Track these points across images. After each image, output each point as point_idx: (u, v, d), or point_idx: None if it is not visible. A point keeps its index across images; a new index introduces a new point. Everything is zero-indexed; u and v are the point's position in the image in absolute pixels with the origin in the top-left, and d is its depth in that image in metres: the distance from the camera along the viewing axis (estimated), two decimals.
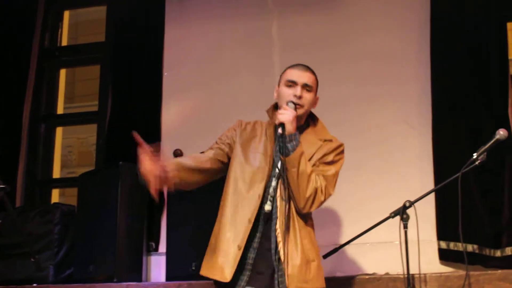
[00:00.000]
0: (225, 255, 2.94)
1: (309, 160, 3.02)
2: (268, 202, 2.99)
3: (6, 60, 5.24)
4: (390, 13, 4.52)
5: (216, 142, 3.22)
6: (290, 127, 2.93)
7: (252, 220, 2.95)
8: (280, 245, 2.91)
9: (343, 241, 3.61)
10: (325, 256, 3.59)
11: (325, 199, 3.01)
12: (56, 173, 5.45)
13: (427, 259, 3.80)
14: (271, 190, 3.01)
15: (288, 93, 3.07)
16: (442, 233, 3.97)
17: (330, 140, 3.13)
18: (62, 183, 5.83)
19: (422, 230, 3.31)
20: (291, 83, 3.08)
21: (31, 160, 5.29)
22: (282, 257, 2.89)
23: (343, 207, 4.21)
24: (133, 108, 4.90)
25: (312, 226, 3.10)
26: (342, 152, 3.15)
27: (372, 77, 4.44)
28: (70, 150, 10.38)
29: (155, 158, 3.02)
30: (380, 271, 3.79)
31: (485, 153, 3.21)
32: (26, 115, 5.28)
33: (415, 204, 3.27)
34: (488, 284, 3.46)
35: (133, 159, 4.47)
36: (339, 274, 3.73)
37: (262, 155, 3.08)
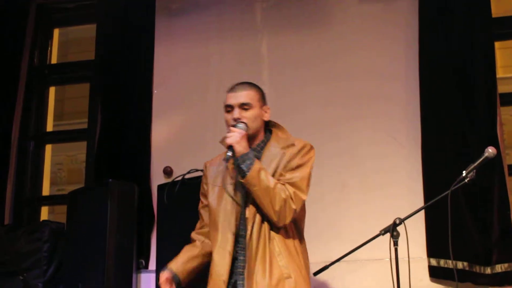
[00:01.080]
0: None
1: (275, 172, 2.99)
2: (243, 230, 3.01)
3: None
4: (378, 32, 4.55)
5: (201, 202, 3.27)
6: (239, 148, 2.92)
7: (231, 252, 2.97)
8: (245, 268, 2.94)
9: (333, 259, 3.59)
10: (315, 274, 3.59)
11: (297, 207, 2.96)
12: (46, 191, 5.43)
13: (417, 277, 3.80)
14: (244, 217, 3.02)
15: (228, 119, 3.08)
16: (432, 250, 3.98)
17: (293, 145, 3.07)
18: (51, 200, 5.80)
19: (412, 248, 3.30)
20: (229, 108, 3.09)
21: (20, 177, 5.26)
22: (245, 282, 2.91)
23: (333, 225, 4.22)
24: (123, 125, 4.89)
25: (295, 239, 3.06)
26: (308, 151, 3.08)
27: (360, 95, 4.46)
28: (59, 167, 10.35)
29: None
30: None
31: (475, 171, 3.21)
32: (15, 133, 5.26)
33: (405, 222, 3.27)
34: None
35: (123, 177, 4.50)
36: None
37: (231, 186, 3.08)
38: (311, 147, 3.09)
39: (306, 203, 4.07)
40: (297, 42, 4.69)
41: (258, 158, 3.04)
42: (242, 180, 2.93)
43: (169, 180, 4.56)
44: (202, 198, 3.28)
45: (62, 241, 4.47)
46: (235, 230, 2.99)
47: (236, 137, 2.94)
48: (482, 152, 3.23)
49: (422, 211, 3.82)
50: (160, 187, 4.40)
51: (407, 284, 3.27)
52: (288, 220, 2.94)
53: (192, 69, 4.87)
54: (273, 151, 3.07)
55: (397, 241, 3.23)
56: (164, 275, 3.10)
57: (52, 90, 5.67)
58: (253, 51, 4.77)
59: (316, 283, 3.78)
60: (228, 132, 3.01)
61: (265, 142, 3.12)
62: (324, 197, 4.30)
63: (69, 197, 4.64)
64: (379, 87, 4.45)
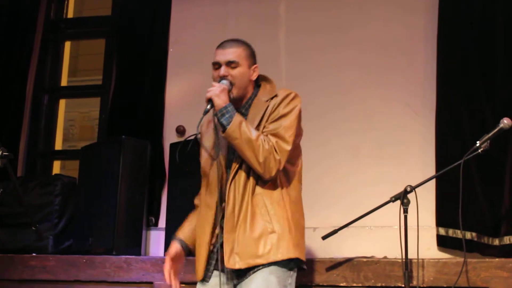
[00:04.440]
0: (199, 256, 2.97)
1: (259, 125, 2.91)
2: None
3: (11, 31, 5.22)
4: (398, 0, 4.50)
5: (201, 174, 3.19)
6: (218, 101, 2.84)
7: (214, 209, 2.95)
8: (224, 223, 2.88)
9: (342, 223, 3.61)
10: (324, 237, 3.62)
11: (281, 158, 2.86)
12: (58, 146, 5.46)
13: (425, 245, 3.82)
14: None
15: (215, 76, 3.00)
16: (441, 219, 3.99)
17: (276, 96, 2.98)
18: (63, 155, 5.83)
19: (422, 216, 3.33)
20: (216, 65, 3.01)
21: (34, 131, 5.30)
22: (224, 237, 2.86)
23: (344, 189, 4.24)
24: (137, 83, 4.89)
25: (284, 193, 2.95)
26: (292, 99, 2.96)
27: (377, 63, 4.44)
28: (72, 123, 10.38)
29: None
30: (379, 254, 3.80)
31: (488, 142, 3.21)
32: (30, 86, 5.28)
33: (416, 190, 3.28)
34: (485, 272, 3.47)
35: (135, 134, 4.52)
36: (337, 255, 3.74)
37: (215, 148, 3.03)
38: (296, 95, 2.98)
39: (315, 166, 4.12)
40: (315, 6, 4.65)
41: (246, 114, 2.97)
42: (223, 135, 2.86)
43: (182, 139, 4.58)
44: (200, 160, 3.21)
45: (73, 195, 4.51)
46: (219, 192, 2.94)
47: (215, 90, 2.87)
48: (497, 123, 3.23)
49: (433, 180, 3.83)
50: (173, 146, 4.41)
51: (415, 252, 3.30)
52: (274, 171, 2.85)
53: (208, 28, 4.84)
54: (259, 105, 2.99)
55: (407, 209, 3.25)
56: (174, 247, 3.09)
57: (67, 44, 5.66)
58: (271, 11, 4.73)
59: (324, 247, 3.80)
60: None
61: (252, 99, 3.04)
62: (337, 163, 4.32)
63: (82, 152, 4.67)
64: (396, 56, 4.42)
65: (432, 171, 3.98)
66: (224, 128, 2.84)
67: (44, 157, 5.34)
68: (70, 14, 5.69)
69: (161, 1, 5.01)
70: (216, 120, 2.91)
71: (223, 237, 2.88)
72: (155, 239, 4.54)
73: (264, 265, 2.83)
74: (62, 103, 5.57)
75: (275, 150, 2.84)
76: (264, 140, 2.84)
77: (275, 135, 2.88)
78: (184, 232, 3.15)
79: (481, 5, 4.19)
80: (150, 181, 4.55)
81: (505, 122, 3.22)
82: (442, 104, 4.17)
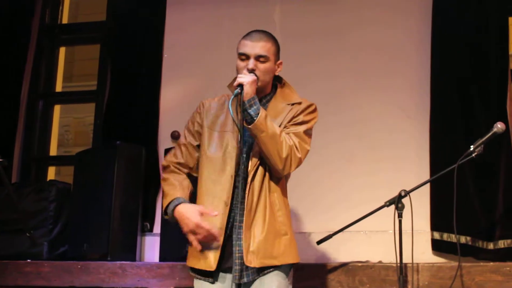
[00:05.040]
0: (208, 245, 2.83)
1: (280, 124, 2.91)
2: (241, 180, 2.87)
3: (6, 36, 5.21)
4: (391, 5, 4.51)
5: (185, 138, 3.08)
6: (249, 90, 2.79)
7: (229, 203, 2.85)
8: (244, 220, 2.81)
9: (337, 228, 3.62)
10: (318, 242, 3.62)
11: (302, 156, 2.89)
12: (53, 151, 5.45)
13: (420, 249, 3.83)
14: (243, 167, 2.89)
15: (241, 67, 2.93)
16: (436, 224, 4.00)
17: (299, 103, 3.00)
18: (58, 160, 5.83)
19: (416, 220, 3.34)
20: (244, 56, 2.94)
21: (28, 136, 5.29)
22: (243, 233, 2.80)
23: (339, 195, 4.24)
24: (132, 88, 4.89)
25: (286, 197, 2.98)
26: (313, 111, 3.01)
27: (371, 68, 4.45)
28: (67, 129, 10.37)
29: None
30: (373, 259, 3.81)
31: (482, 146, 3.22)
32: (24, 92, 5.28)
33: (410, 194, 3.28)
34: (479, 276, 3.49)
35: (130, 140, 4.51)
36: (332, 260, 3.74)
37: (230, 133, 2.94)
38: (316, 108, 3.03)
39: (311, 171, 4.12)
40: (309, 11, 4.66)
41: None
42: (249, 126, 2.78)
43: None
44: (189, 136, 3.08)
45: (68, 201, 4.50)
46: (233, 181, 2.87)
47: (247, 78, 2.82)
48: (490, 127, 3.24)
49: (428, 185, 3.84)
50: (167, 151, 4.40)
51: (410, 256, 3.30)
52: (293, 168, 2.88)
53: (202, 33, 4.85)
54: (279, 106, 2.99)
55: (401, 213, 3.26)
56: (188, 208, 2.84)
57: (62, 50, 5.65)
58: (265, 17, 4.73)
59: (319, 252, 3.81)
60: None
61: (271, 96, 3.04)
62: (331, 167, 4.32)
63: (77, 157, 4.66)
64: (390, 60, 4.43)
65: (426, 176, 3.99)
66: (252, 119, 2.77)
67: (38, 163, 5.33)
68: (65, 20, 5.69)
69: (155, 6, 5.01)
70: (240, 110, 2.80)
71: (236, 234, 2.82)
72: (150, 245, 4.53)
73: (275, 268, 2.83)
74: (57, 108, 5.56)
75: (297, 148, 2.86)
76: (287, 137, 2.85)
77: (297, 135, 2.90)
78: (184, 192, 2.94)
79: (474, 8, 4.21)
80: (145, 187, 4.54)
81: (498, 126, 3.23)
82: (436, 108, 4.19)
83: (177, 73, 4.86)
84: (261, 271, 2.83)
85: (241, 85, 2.81)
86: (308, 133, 2.97)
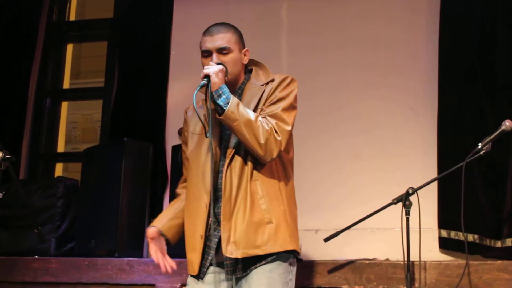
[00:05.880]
0: (193, 250, 2.83)
1: (256, 108, 2.82)
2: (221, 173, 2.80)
3: (14, 34, 5.23)
4: (400, 1, 4.50)
5: (184, 151, 3.10)
6: (215, 79, 2.70)
7: (208, 203, 2.78)
8: (221, 211, 2.76)
9: (343, 225, 3.61)
10: (326, 240, 3.62)
11: (282, 139, 2.77)
12: (61, 148, 5.47)
13: (427, 247, 3.80)
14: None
15: (206, 64, 2.83)
16: (443, 221, 3.99)
17: (272, 80, 2.89)
18: (66, 157, 5.84)
19: (424, 218, 3.32)
20: (206, 53, 2.87)
21: (36, 133, 5.31)
22: (222, 224, 2.74)
23: (346, 192, 4.24)
24: (139, 85, 4.90)
25: (280, 181, 2.87)
26: (289, 84, 2.88)
27: (378, 64, 4.44)
28: (74, 126, 10.38)
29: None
30: (381, 256, 3.80)
31: (490, 144, 3.21)
32: (32, 89, 5.30)
33: (418, 192, 3.28)
34: (487, 274, 3.47)
35: (138, 136, 4.52)
36: (339, 258, 3.73)
37: (198, 136, 2.92)
38: (292, 79, 2.91)
39: (317, 168, 4.12)
40: (317, 7, 4.65)
41: (239, 100, 2.84)
42: (220, 117, 2.70)
43: None
44: (185, 149, 3.10)
45: (76, 197, 4.52)
46: (211, 181, 2.76)
47: (214, 68, 2.73)
48: (499, 125, 3.23)
49: (435, 182, 3.83)
50: (175, 148, 4.41)
51: (417, 254, 3.30)
52: (275, 153, 2.75)
53: None
54: (253, 89, 2.90)
55: (409, 211, 3.25)
56: (151, 230, 2.97)
57: (69, 47, 5.67)
58: (273, 13, 4.73)
59: (326, 249, 3.80)
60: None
61: (245, 83, 2.95)
62: (338, 164, 4.32)
63: (84, 154, 4.68)
64: (397, 57, 4.42)
65: (434, 173, 3.98)
66: (222, 110, 2.69)
67: (46, 159, 5.34)
68: (72, 17, 5.70)
69: (163, 3, 5.01)
70: (210, 102, 2.71)
71: (219, 227, 2.77)
72: None
73: (266, 261, 2.77)
74: (64, 105, 5.58)
75: (275, 131, 2.76)
76: (263, 122, 2.74)
77: (274, 116, 2.80)
78: (162, 221, 3.01)
79: (482, 5, 4.19)
80: (152, 183, 4.55)
81: (507, 124, 3.21)
82: (444, 105, 4.17)
83: (185, 70, 4.85)
84: (249, 266, 2.77)
85: (207, 77, 2.73)
86: (288, 109, 2.84)
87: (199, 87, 2.74)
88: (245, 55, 2.97)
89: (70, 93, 5.77)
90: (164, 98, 4.86)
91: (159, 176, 4.64)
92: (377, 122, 4.32)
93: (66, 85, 5.59)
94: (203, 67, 2.84)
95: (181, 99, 4.82)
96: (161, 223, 3.01)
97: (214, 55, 2.85)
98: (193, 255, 2.83)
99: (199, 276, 2.85)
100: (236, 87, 2.94)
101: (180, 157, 3.68)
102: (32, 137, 5.29)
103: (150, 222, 4.50)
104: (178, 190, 3.15)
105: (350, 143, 4.33)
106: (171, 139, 4.73)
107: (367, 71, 4.43)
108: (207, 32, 2.92)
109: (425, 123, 4.24)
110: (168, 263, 2.94)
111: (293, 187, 2.99)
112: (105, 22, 5.50)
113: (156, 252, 2.95)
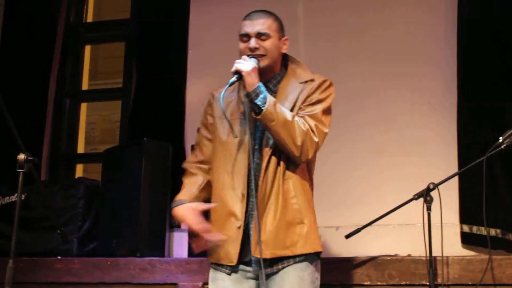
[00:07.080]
0: (229, 240, 2.76)
1: (293, 106, 2.79)
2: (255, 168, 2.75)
3: (32, 36, 5.27)
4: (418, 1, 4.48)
5: (201, 133, 3.05)
6: (249, 79, 2.69)
7: (245, 193, 2.75)
8: (255, 210, 2.72)
9: (365, 222, 3.61)
10: (347, 236, 3.62)
11: (319, 140, 2.78)
12: (80, 149, 5.51)
13: (449, 242, 3.78)
14: (258, 155, 2.80)
15: (243, 48, 2.85)
16: (465, 216, 3.97)
17: (312, 80, 2.87)
18: (86, 158, 5.89)
19: (445, 213, 3.30)
20: (245, 37, 2.86)
21: (56, 135, 5.35)
22: (254, 223, 2.71)
23: (366, 188, 4.23)
24: (158, 85, 4.91)
25: (308, 182, 2.88)
26: (328, 87, 2.88)
27: (398, 65, 4.41)
28: (93, 127, 10.43)
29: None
30: (402, 252, 3.79)
31: (511, 137, 3.19)
32: (51, 90, 5.33)
33: (439, 187, 3.27)
34: (510, 268, 3.43)
35: (157, 136, 4.54)
36: (361, 254, 3.73)
37: (241, 121, 2.84)
38: (331, 83, 2.90)
39: (338, 165, 4.10)
40: (333, 8, 4.63)
41: (274, 91, 2.86)
42: (258, 117, 2.68)
43: None
44: (204, 130, 3.05)
45: (97, 198, 4.54)
46: (247, 171, 2.76)
47: (247, 65, 2.72)
48: None
49: (456, 177, 3.81)
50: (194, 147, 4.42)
51: (439, 249, 3.28)
52: (311, 154, 2.75)
53: (227, 30, 4.81)
54: (291, 85, 2.87)
55: (430, 206, 3.24)
56: (183, 208, 2.84)
57: (87, 48, 5.71)
58: (289, 14, 4.69)
59: (348, 246, 3.80)
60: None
61: (281, 76, 2.93)
62: (358, 161, 4.31)
63: (105, 155, 4.71)
64: (416, 56, 4.39)
65: (454, 169, 3.96)
66: (259, 110, 2.67)
67: (67, 161, 5.38)
68: (90, 18, 5.74)
69: (179, 3, 5.02)
70: (246, 100, 2.71)
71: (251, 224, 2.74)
72: (179, 241, 4.55)
73: (295, 261, 2.76)
74: (84, 106, 5.62)
75: (313, 132, 2.75)
76: (300, 122, 2.73)
77: (313, 117, 2.78)
78: (191, 195, 2.91)
79: (500, 2, 4.15)
80: (172, 183, 4.56)
81: None
82: (463, 100, 4.14)
83: (202, 69, 4.87)
84: (279, 263, 2.75)
85: (238, 73, 2.73)
86: (326, 112, 2.84)
87: (228, 85, 2.75)
88: (284, 44, 2.96)
89: (89, 94, 5.81)
90: (182, 98, 4.87)
91: (179, 175, 4.61)
92: (398, 121, 4.30)
93: (84, 86, 5.63)
94: (240, 52, 2.86)
95: (200, 98, 4.81)
96: (189, 197, 2.91)
97: (253, 40, 2.84)
98: (232, 244, 2.75)
99: (234, 268, 2.78)
100: (271, 76, 2.91)
101: None
102: (52, 138, 5.33)
103: (171, 221, 4.54)
104: (192, 169, 3.04)
105: (371, 141, 4.31)
106: (190, 138, 4.73)
107: (386, 73, 4.39)
108: (247, 17, 2.92)
109: (445, 118, 4.21)
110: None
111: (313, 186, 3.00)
112: (122, 23, 5.52)
113: (200, 223, 2.77)
